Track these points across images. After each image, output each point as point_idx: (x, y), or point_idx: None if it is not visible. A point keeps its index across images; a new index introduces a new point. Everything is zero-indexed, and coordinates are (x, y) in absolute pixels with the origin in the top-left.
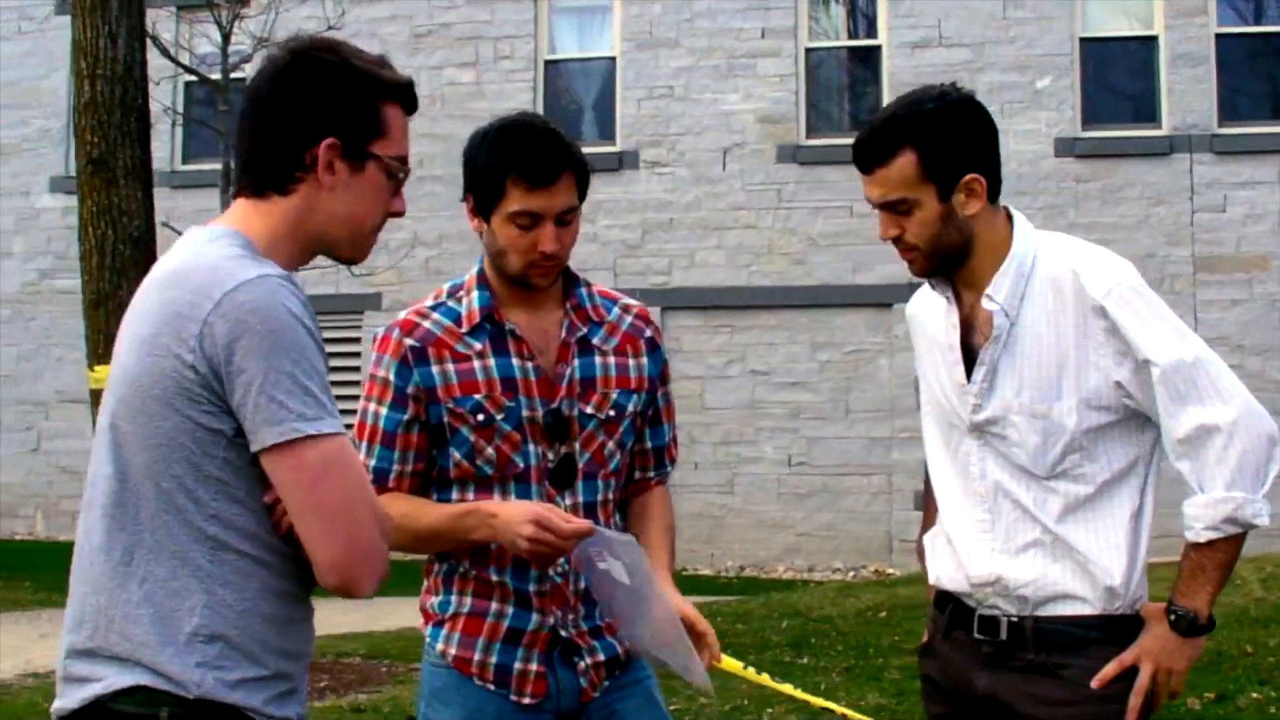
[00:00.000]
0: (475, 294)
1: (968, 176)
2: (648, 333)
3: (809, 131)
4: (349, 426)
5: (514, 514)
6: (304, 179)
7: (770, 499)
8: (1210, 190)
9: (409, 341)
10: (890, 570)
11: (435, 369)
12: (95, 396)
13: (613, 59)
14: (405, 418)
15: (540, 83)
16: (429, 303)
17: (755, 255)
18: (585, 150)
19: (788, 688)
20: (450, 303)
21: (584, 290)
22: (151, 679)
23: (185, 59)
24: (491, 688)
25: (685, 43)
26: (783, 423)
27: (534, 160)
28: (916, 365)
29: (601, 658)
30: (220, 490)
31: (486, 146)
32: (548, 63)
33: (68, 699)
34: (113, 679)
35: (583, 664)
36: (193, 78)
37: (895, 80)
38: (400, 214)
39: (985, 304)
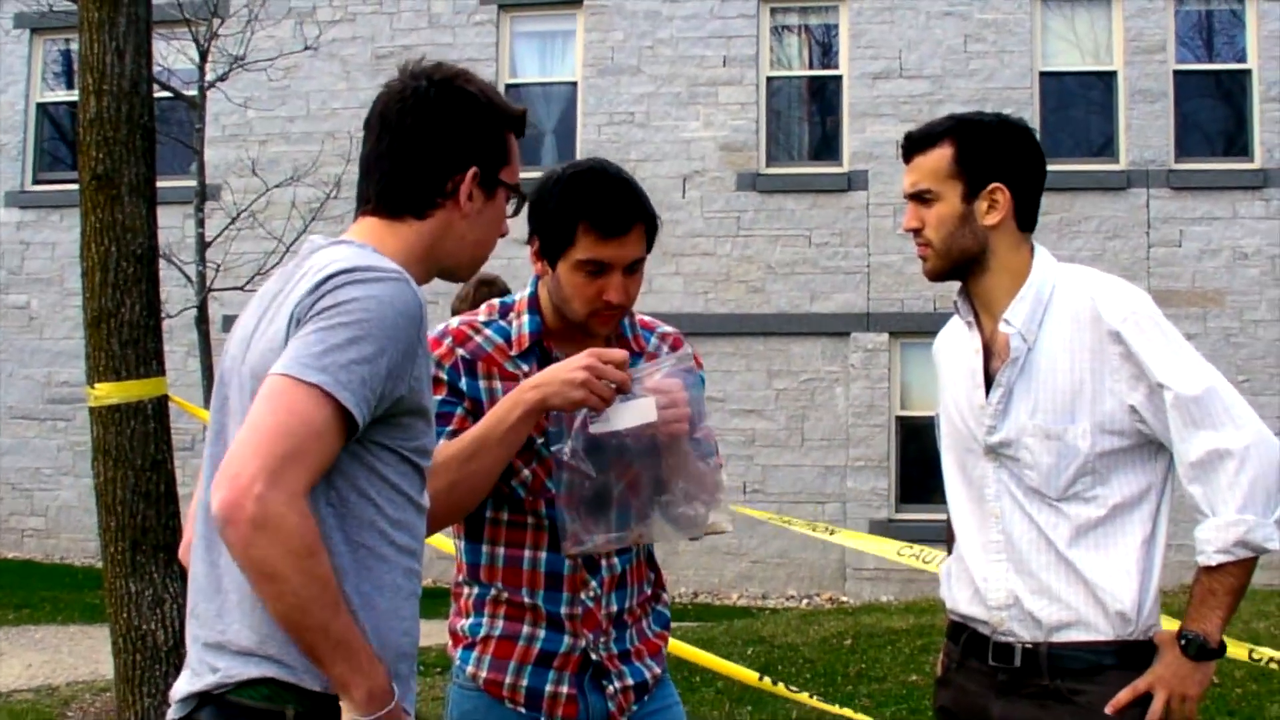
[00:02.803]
0: (526, 318)
1: (994, 185)
2: None
3: (769, 160)
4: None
5: (564, 363)
6: (443, 205)
7: None
8: (1166, 225)
9: (461, 352)
10: (844, 598)
11: (483, 384)
12: (95, 414)
13: (574, 84)
14: (461, 405)
15: None
16: (481, 318)
17: (713, 282)
18: (543, 175)
19: (804, 696)
20: (502, 322)
21: (626, 320)
22: (278, 671)
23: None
24: (522, 710)
25: (647, 69)
26: (738, 450)
27: (607, 210)
28: (939, 398)
29: (630, 682)
30: (335, 470)
31: (558, 192)
32: (509, 86)
33: (189, 684)
34: (238, 669)
35: (612, 688)
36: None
37: (855, 110)
38: (505, 235)
39: (1002, 327)
